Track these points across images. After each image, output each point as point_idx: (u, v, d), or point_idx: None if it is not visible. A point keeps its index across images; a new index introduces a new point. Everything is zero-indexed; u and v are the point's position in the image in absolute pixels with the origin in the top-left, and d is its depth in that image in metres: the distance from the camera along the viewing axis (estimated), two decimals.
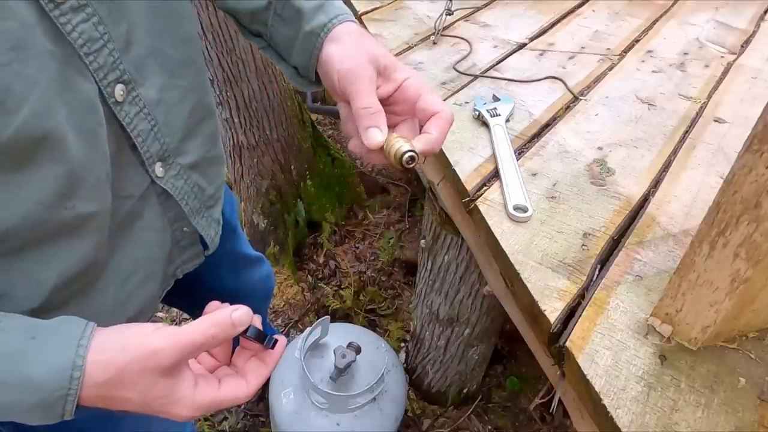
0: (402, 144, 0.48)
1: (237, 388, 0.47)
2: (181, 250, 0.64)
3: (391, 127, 0.53)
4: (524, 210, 0.73)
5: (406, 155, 0.48)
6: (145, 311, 0.63)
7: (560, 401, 0.66)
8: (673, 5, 1.48)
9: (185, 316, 1.72)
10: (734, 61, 1.20)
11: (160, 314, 1.73)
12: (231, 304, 0.51)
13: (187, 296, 0.78)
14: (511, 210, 0.73)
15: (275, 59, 0.64)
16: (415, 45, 1.18)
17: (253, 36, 0.64)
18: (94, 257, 0.51)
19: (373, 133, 0.50)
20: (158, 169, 0.55)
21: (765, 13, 1.46)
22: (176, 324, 1.70)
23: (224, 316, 0.43)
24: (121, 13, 0.45)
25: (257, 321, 0.48)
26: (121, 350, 0.40)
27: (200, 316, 0.45)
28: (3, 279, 0.44)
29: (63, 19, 0.40)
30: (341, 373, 1.06)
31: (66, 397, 0.39)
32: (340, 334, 1.17)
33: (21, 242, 0.44)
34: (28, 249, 0.45)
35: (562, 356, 0.59)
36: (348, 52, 0.53)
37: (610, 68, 1.14)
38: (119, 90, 0.47)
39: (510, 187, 0.77)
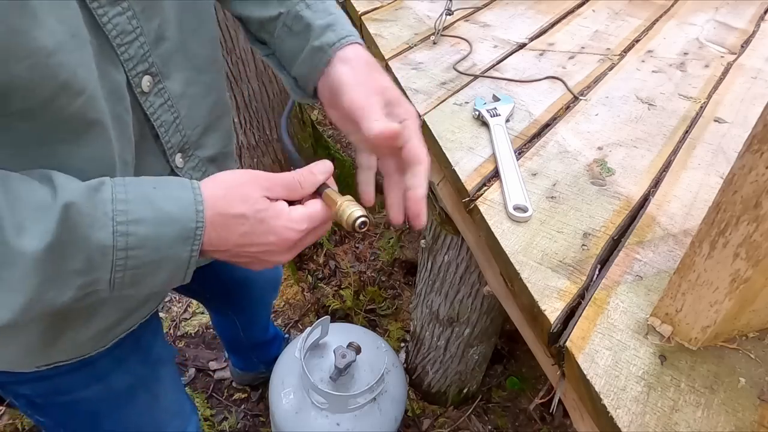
0: (354, 210, 0.50)
1: (319, 204, 0.51)
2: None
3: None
4: (524, 210, 0.73)
5: (359, 220, 0.49)
6: (155, 297, 0.69)
7: (560, 401, 0.66)
8: (673, 5, 1.48)
9: (185, 315, 1.72)
10: (734, 61, 1.20)
11: (161, 314, 1.73)
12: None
13: (198, 283, 0.80)
14: (511, 210, 0.73)
15: (276, 67, 0.65)
16: (415, 45, 1.18)
17: (258, 43, 0.65)
18: None
19: (380, 125, 0.50)
20: (178, 160, 0.58)
21: (765, 13, 1.46)
22: (175, 324, 1.70)
23: (307, 168, 0.51)
24: (155, 10, 0.48)
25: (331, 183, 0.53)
26: (227, 176, 0.47)
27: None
28: None
29: (101, 11, 0.43)
30: (341, 373, 1.06)
31: (196, 221, 0.43)
32: (340, 334, 1.17)
33: None
34: None
35: (562, 356, 0.59)
36: (360, 79, 0.55)
37: (610, 68, 1.14)
38: (146, 81, 0.49)
39: (510, 187, 0.77)
